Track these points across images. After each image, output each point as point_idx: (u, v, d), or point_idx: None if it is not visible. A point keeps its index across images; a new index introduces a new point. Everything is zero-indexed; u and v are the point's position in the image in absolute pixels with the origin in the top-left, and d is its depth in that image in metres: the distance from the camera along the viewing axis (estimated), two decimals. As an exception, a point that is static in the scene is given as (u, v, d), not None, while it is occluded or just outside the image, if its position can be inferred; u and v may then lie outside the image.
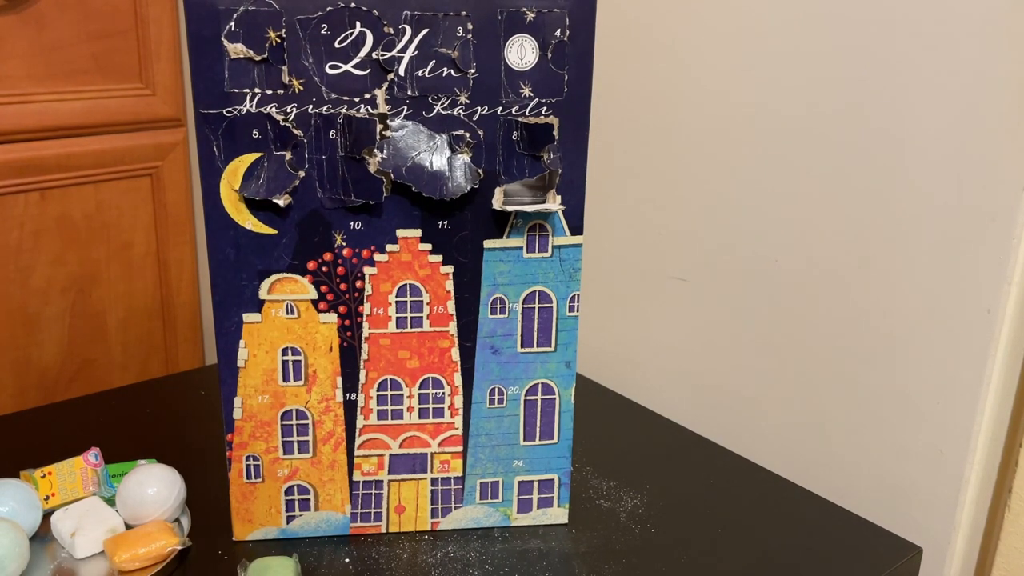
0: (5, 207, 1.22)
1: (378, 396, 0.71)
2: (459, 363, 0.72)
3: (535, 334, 0.72)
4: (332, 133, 0.65)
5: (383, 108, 0.65)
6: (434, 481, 0.74)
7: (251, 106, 0.64)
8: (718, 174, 0.95)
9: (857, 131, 0.83)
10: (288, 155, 0.65)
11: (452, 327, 0.71)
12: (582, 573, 0.70)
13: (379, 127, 0.65)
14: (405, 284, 0.69)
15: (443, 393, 0.72)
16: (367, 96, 0.65)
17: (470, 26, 0.64)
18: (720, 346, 0.99)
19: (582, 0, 0.65)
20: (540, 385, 0.73)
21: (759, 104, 0.90)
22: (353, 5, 0.63)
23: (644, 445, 0.91)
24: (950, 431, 0.81)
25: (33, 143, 1.22)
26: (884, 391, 0.85)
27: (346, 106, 0.65)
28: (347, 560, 0.71)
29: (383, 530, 0.75)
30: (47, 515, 0.73)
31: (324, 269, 0.68)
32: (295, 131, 0.65)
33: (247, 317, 0.68)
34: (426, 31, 0.64)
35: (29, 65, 1.19)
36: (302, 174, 0.66)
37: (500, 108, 0.66)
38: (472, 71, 0.65)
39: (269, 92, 0.64)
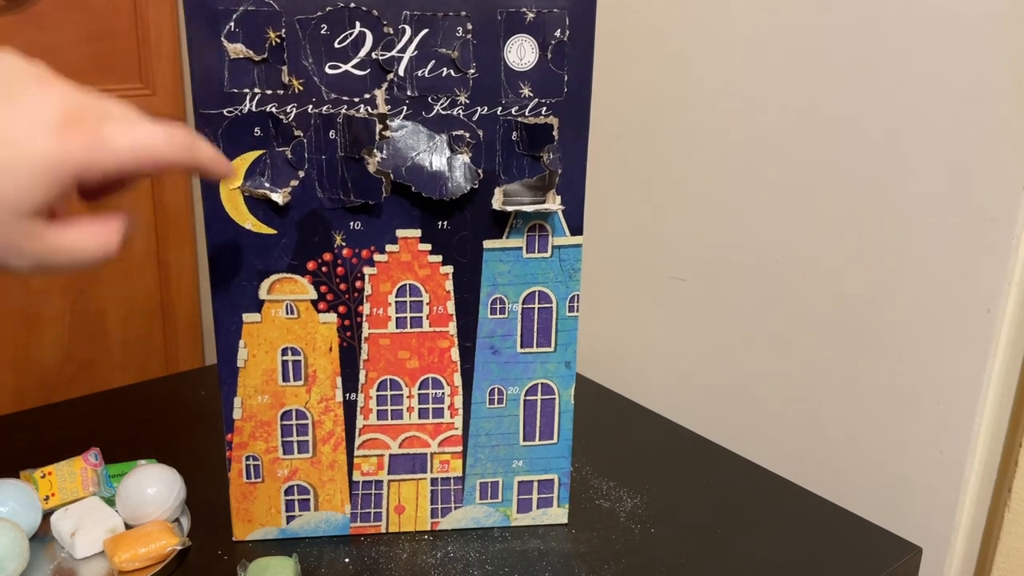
0: (5, 207, 1.21)
1: (378, 396, 0.71)
2: (459, 363, 0.72)
3: (535, 334, 0.72)
4: (332, 133, 0.65)
5: (383, 108, 0.65)
6: (434, 481, 0.74)
7: (251, 106, 0.64)
8: (718, 174, 0.95)
9: (857, 131, 0.83)
10: (289, 153, 0.65)
11: (452, 327, 0.71)
12: (582, 573, 0.70)
13: (379, 127, 0.65)
14: (405, 284, 0.69)
15: (443, 393, 0.72)
16: (367, 96, 0.65)
17: (470, 26, 0.64)
18: (720, 346, 0.99)
19: (582, 0, 0.65)
20: (540, 385, 0.73)
21: (759, 104, 0.90)
22: (353, 5, 0.63)
23: (644, 445, 0.91)
24: (950, 431, 0.81)
25: (33, 143, 1.22)
26: (884, 391, 0.85)
27: (346, 106, 0.65)
28: (347, 560, 0.71)
29: (383, 530, 0.75)
30: (47, 515, 0.73)
31: (324, 269, 0.68)
32: (296, 131, 0.65)
33: (247, 317, 0.68)
34: (426, 31, 0.64)
35: (29, 65, 1.19)
36: (302, 173, 0.66)
37: (500, 108, 0.66)
38: (472, 71, 0.65)
39: (269, 92, 0.64)
